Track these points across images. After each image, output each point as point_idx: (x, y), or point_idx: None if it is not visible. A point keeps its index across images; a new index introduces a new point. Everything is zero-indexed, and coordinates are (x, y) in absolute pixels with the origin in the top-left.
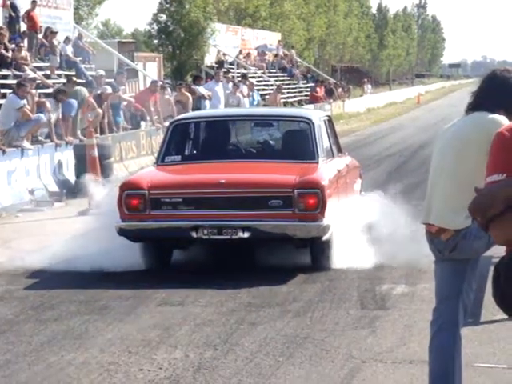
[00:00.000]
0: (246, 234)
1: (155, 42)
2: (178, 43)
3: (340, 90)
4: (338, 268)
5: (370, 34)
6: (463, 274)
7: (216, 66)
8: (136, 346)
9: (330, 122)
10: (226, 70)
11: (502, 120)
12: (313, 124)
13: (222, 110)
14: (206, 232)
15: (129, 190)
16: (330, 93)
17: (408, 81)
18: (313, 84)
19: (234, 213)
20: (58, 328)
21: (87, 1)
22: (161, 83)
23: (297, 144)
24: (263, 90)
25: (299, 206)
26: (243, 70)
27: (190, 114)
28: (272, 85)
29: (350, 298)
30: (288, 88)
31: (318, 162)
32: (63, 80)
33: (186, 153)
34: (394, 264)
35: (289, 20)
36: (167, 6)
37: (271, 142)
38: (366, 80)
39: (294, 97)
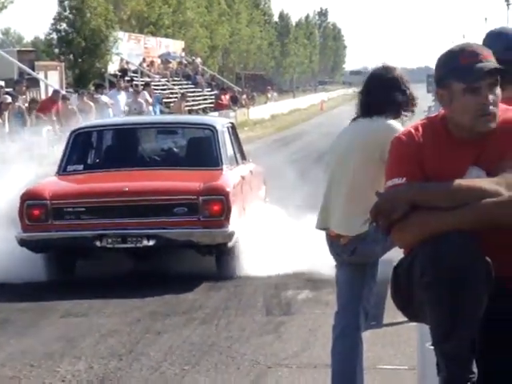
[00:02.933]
0: (151, 242)
1: (56, 50)
2: (79, 52)
3: (244, 97)
4: (244, 275)
5: (272, 42)
6: (363, 278)
7: (119, 74)
8: (38, 359)
9: (233, 129)
10: (129, 78)
11: (394, 125)
12: (216, 131)
13: (124, 118)
14: (110, 241)
15: (30, 199)
16: (234, 100)
17: (311, 88)
18: (217, 92)
19: (138, 221)
20: None
21: None
22: (63, 93)
23: (201, 151)
24: (168, 98)
25: (204, 212)
26: (147, 78)
27: (92, 122)
28: (177, 93)
29: (256, 304)
30: (193, 96)
31: (222, 169)
32: None
33: (89, 161)
34: (298, 270)
35: (192, 28)
36: (66, 14)
37: (175, 149)
38: (269, 87)
39: (199, 104)
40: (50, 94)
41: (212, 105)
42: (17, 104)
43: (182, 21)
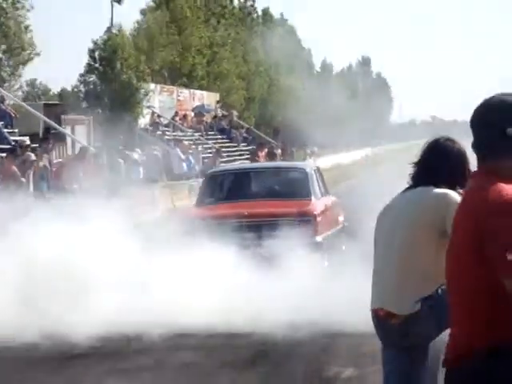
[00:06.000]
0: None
1: (84, 104)
2: (108, 105)
3: (279, 151)
4: (283, 352)
5: (313, 92)
6: (413, 362)
7: (150, 128)
8: None
9: (318, 171)
10: (161, 132)
11: (452, 195)
12: (307, 172)
13: (240, 165)
14: None
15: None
16: (271, 156)
17: (355, 142)
18: (254, 146)
19: (254, 235)
20: None
21: (10, 61)
22: (93, 150)
23: (295, 186)
24: (201, 153)
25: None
26: (180, 133)
27: (219, 167)
28: (211, 148)
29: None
30: (228, 151)
31: (311, 199)
32: None
33: (218, 196)
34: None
35: (227, 79)
36: (96, 65)
37: (277, 186)
38: (309, 142)
39: (234, 160)
40: (77, 149)
41: (248, 161)
42: (41, 163)
43: (217, 72)
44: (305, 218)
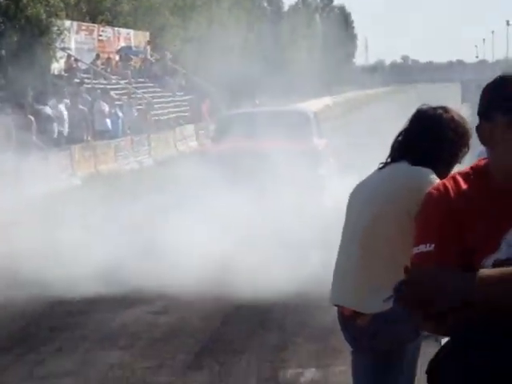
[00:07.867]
0: None
1: None
2: (12, 47)
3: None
4: (233, 349)
5: (262, 32)
6: (387, 369)
7: (66, 75)
8: None
9: (315, 115)
10: (79, 80)
11: (428, 174)
12: (308, 116)
13: (251, 108)
14: None
15: None
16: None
17: (312, 89)
18: (192, 96)
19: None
20: None
21: None
22: None
23: (297, 128)
24: (135, 105)
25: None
26: (102, 80)
27: (233, 111)
28: (140, 98)
29: None
30: (161, 102)
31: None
32: None
33: (231, 134)
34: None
35: (159, 15)
36: None
37: (282, 127)
38: (258, 90)
39: (169, 113)
40: None
41: (186, 113)
42: None
43: (146, 6)
44: (309, 152)
